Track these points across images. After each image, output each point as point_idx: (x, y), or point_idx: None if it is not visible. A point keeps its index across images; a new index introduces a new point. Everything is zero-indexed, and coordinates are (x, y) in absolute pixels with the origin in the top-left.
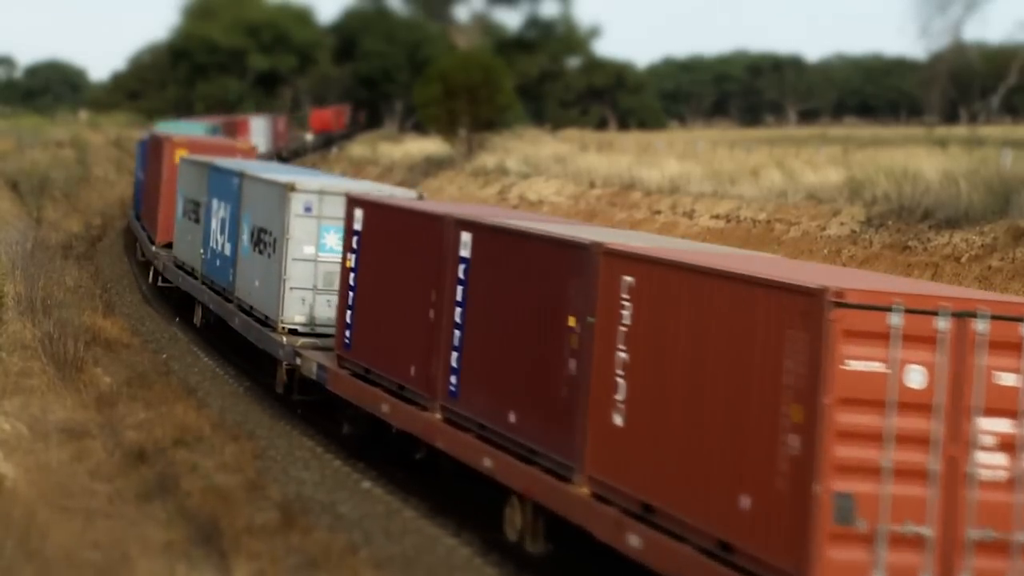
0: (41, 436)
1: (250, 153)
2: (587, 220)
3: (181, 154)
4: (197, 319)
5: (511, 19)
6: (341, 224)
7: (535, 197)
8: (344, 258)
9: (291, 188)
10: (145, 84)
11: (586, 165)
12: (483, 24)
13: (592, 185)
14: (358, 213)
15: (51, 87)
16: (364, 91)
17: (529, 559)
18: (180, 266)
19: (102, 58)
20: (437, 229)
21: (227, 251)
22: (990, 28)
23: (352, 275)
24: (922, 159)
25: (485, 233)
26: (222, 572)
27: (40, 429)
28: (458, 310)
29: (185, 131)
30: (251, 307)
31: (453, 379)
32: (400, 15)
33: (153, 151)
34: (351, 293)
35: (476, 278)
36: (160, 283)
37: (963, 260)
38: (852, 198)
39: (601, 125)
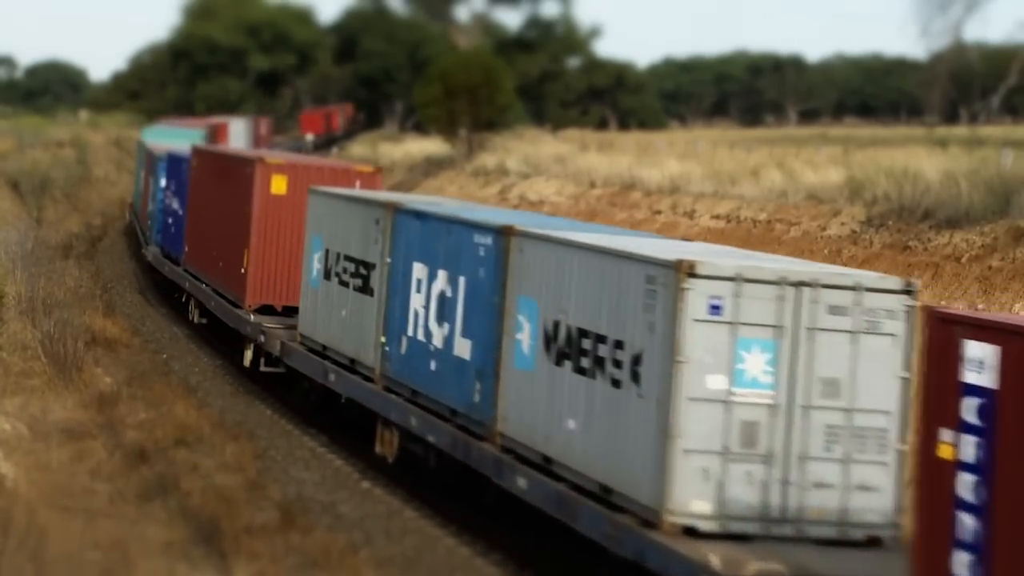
0: (41, 436)
1: (373, 179)
2: (588, 220)
3: (280, 181)
4: (385, 448)
5: (511, 19)
6: (770, 337)
7: (535, 197)
8: (928, 442)
9: (688, 271)
10: (145, 84)
11: (586, 165)
12: (483, 24)
13: (592, 185)
14: (981, 351)
15: (51, 87)
16: (364, 91)
17: (530, 560)
18: (319, 352)
19: (102, 58)
20: None
21: (463, 351)
22: (990, 28)
23: (973, 481)
24: (922, 159)
25: None
26: (222, 572)
27: (40, 429)
28: None
29: (172, 137)
30: (549, 459)
31: None
32: (400, 15)
33: (225, 174)
34: (973, 520)
35: None
36: (263, 367)
37: (963, 260)
38: (852, 198)
39: (601, 125)
